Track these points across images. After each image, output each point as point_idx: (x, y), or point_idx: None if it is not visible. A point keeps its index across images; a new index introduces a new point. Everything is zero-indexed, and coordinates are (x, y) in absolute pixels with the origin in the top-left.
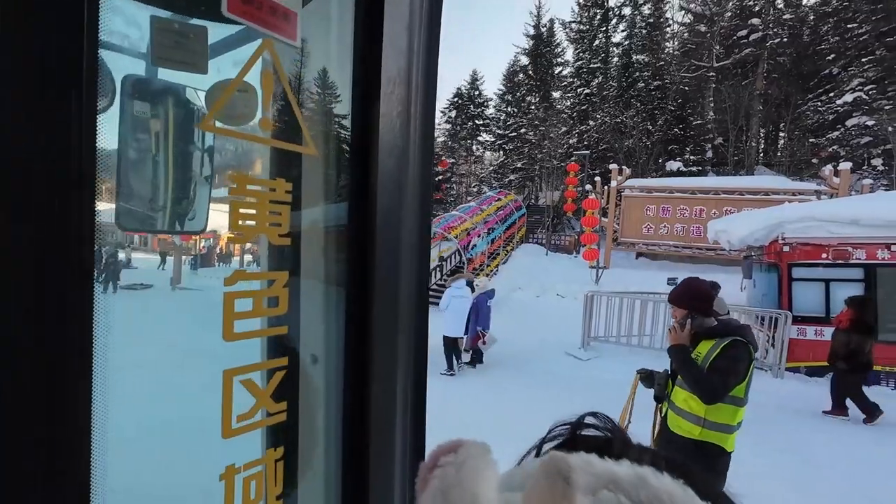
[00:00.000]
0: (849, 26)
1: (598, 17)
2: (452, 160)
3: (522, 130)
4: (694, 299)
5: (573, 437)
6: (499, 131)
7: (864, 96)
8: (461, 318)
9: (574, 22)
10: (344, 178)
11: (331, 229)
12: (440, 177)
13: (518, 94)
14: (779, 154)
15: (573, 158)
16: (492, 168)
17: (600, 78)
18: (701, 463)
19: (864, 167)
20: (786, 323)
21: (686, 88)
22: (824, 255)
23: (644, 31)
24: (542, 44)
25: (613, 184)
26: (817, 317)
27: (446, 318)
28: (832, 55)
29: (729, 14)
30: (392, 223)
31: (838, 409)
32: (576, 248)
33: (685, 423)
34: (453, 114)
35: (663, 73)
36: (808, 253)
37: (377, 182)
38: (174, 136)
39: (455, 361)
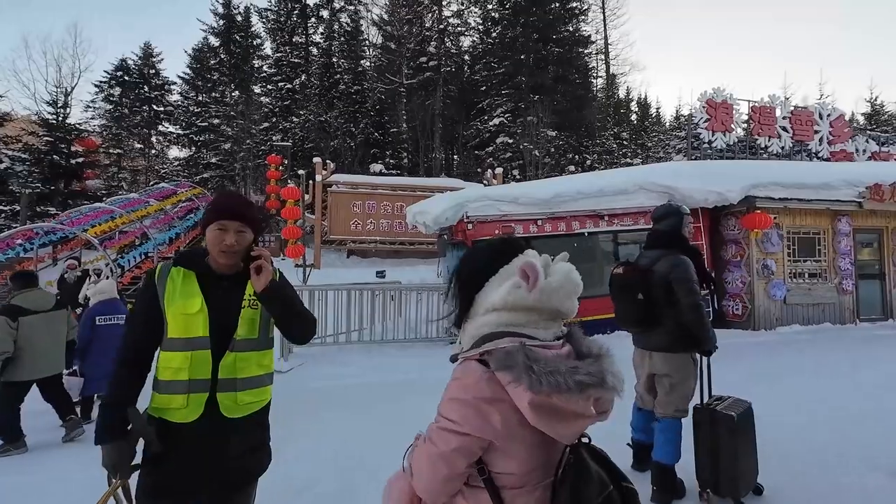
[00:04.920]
0: (493, 64)
1: (297, 12)
2: (119, 151)
3: (216, 122)
4: (260, 214)
5: None
6: (186, 120)
7: (506, 122)
8: None
9: (269, 10)
10: None
11: None
12: (81, 158)
13: (210, 80)
14: (455, 167)
15: (275, 151)
16: (178, 163)
17: (303, 77)
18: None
19: (508, 176)
20: None
21: (383, 97)
22: (497, 231)
23: (343, 39)
24: (234, 27)
25: (318, 178)
26: None
27: None
28: (484, 87)
29: (413, 40)
30: None
31: None
32: (283, 251)
33: (256, 393)
34: (116, 91)
35: (362, 79)
36: (485, 229)
37: None
38: None
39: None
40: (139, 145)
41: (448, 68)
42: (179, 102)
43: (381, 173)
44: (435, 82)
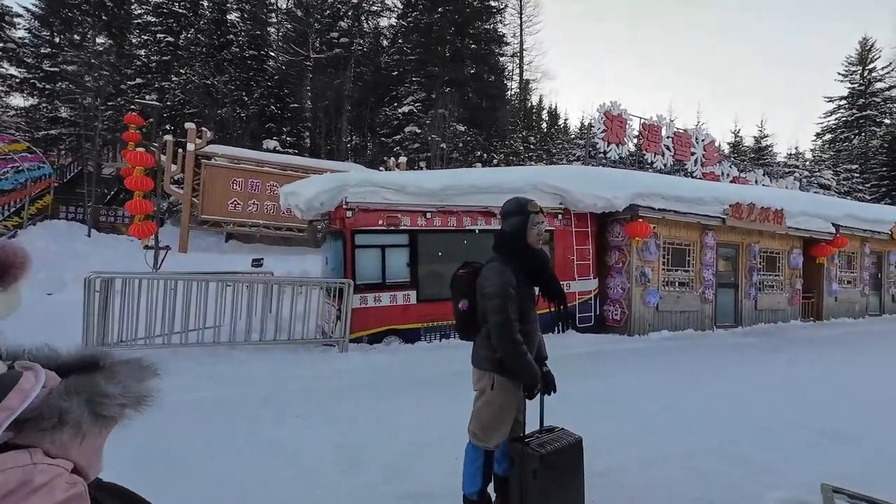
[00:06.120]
0: (406, 49)
1: None
2: None
3: (72, 68)
4: None
5: None
6: (30, 61)
7: (416, 111)
8: None
9: None
10: None
11: None
12: None
13: (67, 19)
14: (368, 153)
15: (136, 109)
16: (15, 113)
17: (192, 32)
18: None
19: (415, 167)
20: (349, 292)
21: (284, 68)
22: (381, 222)
23: None
24: None
25: (190, 147)
26: (376, 283)
27: None
28: (396, 72)
29: (326, 12)
30: None
31: None
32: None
33: None
34: None
35: (262, 44)
36: (367, 219)
37: None
38: None
39: None
40: None
41: (361, 49)
42: (26, 41)
43: (275, 150)
44: (346, 60)
